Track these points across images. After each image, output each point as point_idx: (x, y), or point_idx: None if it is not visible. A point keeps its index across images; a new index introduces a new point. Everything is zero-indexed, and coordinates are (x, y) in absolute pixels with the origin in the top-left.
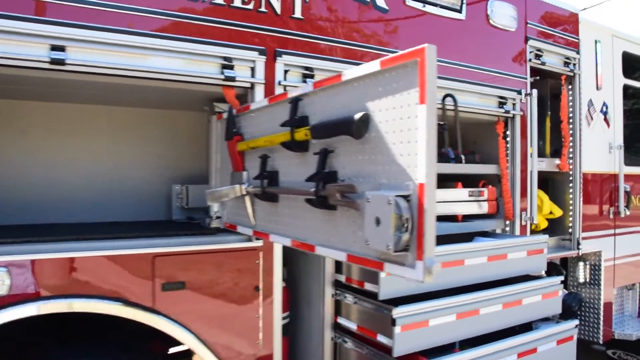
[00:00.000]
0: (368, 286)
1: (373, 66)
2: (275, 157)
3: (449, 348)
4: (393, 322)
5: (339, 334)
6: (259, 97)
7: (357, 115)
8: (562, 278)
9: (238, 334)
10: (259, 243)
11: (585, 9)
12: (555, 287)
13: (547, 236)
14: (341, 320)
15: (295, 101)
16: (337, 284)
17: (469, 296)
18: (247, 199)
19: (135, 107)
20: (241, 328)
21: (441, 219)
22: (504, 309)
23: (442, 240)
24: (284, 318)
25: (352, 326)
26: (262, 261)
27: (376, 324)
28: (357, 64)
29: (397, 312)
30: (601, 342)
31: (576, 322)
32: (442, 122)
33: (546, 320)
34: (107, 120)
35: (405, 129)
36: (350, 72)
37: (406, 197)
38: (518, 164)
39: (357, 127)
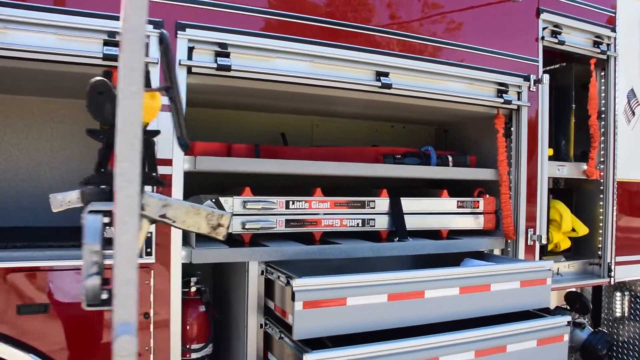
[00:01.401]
0: (290, 318)
1: None
2: None
3: None
4: None
5: None
6: None
7: None
8: (569, 318)
9: None
10: (150, 259)
11: None
12: (559, 329)
13: (551, 262)
14: (271, 357)
15: None
16: (267, 312)
17: (423, 340)
18: None
19: None
20: None
21: (420, 234)
22: (476, 358)
23: (416, 262)
24: (198, 350)
25: None
26: (154, 281)
27: None
28: (286, 39)
29: (311, 358)
30: None
31: None
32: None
33: None
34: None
35: None
36: None
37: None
38: (524, 168)
39: None
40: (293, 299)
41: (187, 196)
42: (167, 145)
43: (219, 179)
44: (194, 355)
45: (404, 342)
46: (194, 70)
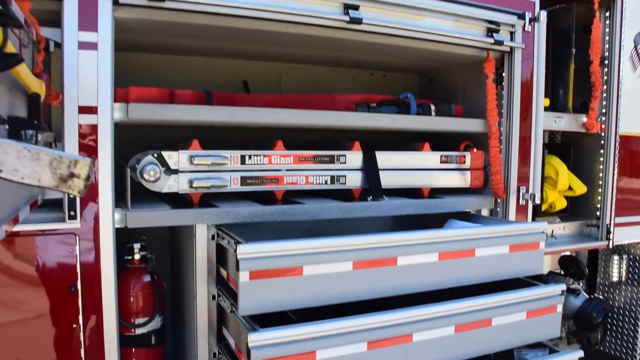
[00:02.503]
0: None
1: None
2: None
3: None
4: (248, 355)
5: (222, 351)
6: None
7: None
8: (563, 287)
9: (44, 354)
10: (74, 224)
11: None
12: (552, 299)
13: (545, 223)
14: (226, 333)
15: None
16: (221, 282)
17: (393, 315)
18: None
19: None
20: (48, 345)
21: (398, 193)
22: (457, 334)
23: (394, 225)
24: (143, 324)
25: (231, 343)
26: (80, 250)
27: (242, 349)
28: None
29: (255, 339)
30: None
31: (579, 353)
32: None
33: (538, 346)
34: None
35: None
36: None
37: None
38: (516, 119)
39: None
40: (237, 268)
41: (125, 157)
42: (90, 89)
43: (166, 133)
44: (139, 331)
45: (371, 317)
46: (120, 0)
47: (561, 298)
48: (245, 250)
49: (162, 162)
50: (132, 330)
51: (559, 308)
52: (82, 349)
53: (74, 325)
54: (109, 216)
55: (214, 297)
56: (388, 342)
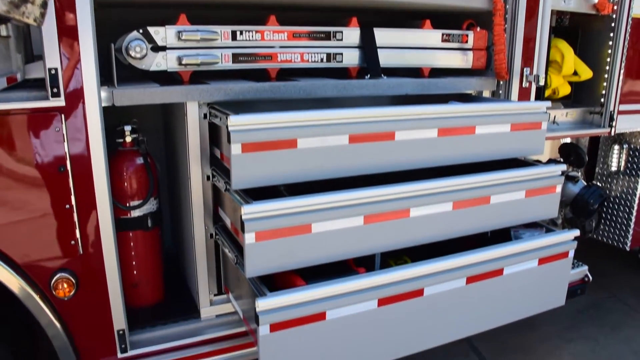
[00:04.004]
0: None
1: None
2: None
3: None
4: (242, 228)
5: (218, 232)
6: None
7: None
8: (564, 167)
9: (37, 236)
10: (58, 102)
11: None
12: (551, 179)
13: (547, 102)
14: (222, 213)
15: None
16: (214, 162)
17: (390, 189)
18: None
19: None
20: (41, 227)
21: (397, 73)
22: (455, 210)
23: (393, 105)
24: (137, 207)
25: (227, 222)
26: (67, 129)
27: (237, 225)
28: None
29: (248, 211)
30: (628, 248)
31: (575, 232)
32: None
33: (534, 225)
34: None
35: None
36: None
37: None
38: None
39: None
40: (229, 140)
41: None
42: None
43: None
44: (134, 214)
45: (367, 191)
46: None
47: (560, 179)
48: (237, 121)
49: (149, 38)
50: (128, 213)
51: (558, 188)
52: (77, 230)
53: (67, 206)
54: (94, 94)
55: (208, 177)
56: (385, 217)
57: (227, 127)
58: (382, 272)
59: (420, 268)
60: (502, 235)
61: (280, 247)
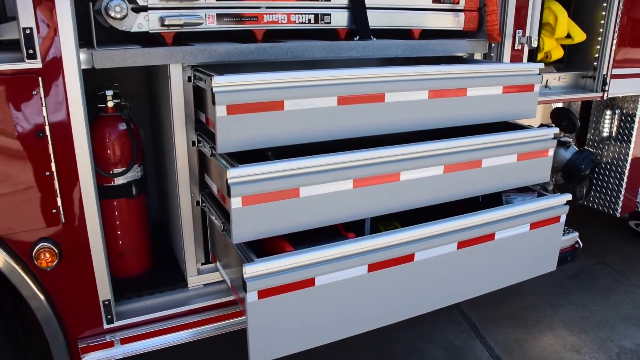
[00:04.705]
0: None
1: None
2: None
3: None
4: (228, 191)
5: (205, 199)
6: None
7: None
8: (556, 130)
9: (17, 205)
10: (35, 64)
11: None
12: (543, 142)
13: (540, 64)
14: (208, 180)
15: None
16: (199, 128)
17: (381, 152)
18: None
19: None
20: (21, 195)
21: (388, 34)
22: (446, 174)
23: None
24: (121, 174)
25: (214, 189)
26: (45, 93)
27: (224, 190)
28: None
29: (234, 174)
30: (619, 214)
31: (567, 196)
32: None
33: (526, 190)
34: None
35: None
36: None
37: None
38: None
39: None
40: (214, 102)
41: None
42: None
43: None
44: (118, 181)
45: (356, 154)
46: None
47: (553, 142)
48: (221, 82)
49: None
50: (111, 180)
51: (550, 152)
52: (59, 198)
53: (47, 174)
54: (72, 55)
55: (193, 143)
56: (374, 180)
57: (211, 88)
58: (372, 237)
59: (410, 233)
60: (493, 200)
61: (267, 211)
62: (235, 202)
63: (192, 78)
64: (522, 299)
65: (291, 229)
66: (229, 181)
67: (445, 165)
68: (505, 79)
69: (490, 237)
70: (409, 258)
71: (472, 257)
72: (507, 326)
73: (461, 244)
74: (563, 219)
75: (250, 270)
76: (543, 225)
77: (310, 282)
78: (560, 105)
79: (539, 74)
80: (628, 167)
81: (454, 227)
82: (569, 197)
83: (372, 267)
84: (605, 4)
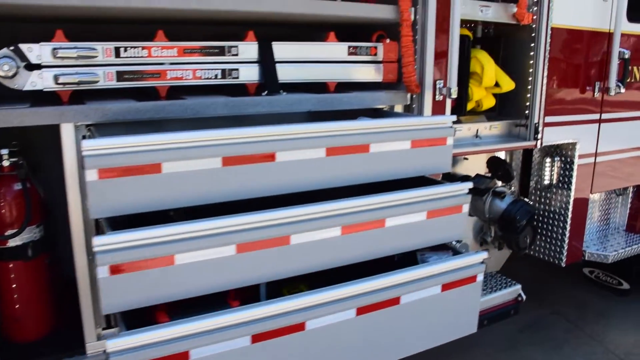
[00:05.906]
0: None
1: None
2: None
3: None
4: (94, 259)
5: None
6: None
7: None
8: (470, 185)
9: None
10: None
11: None
12: (456, 198)
13: (453, 117)
14: None
15: None
16: None
17: (265, 215)
18: None
19: None
20: None
21: (303, 89)
22: (344, 236)
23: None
24: (14, 235)
25: None
26: None
27: None
28: None
29: (101, 242)
30: (564, 264)
31: (483, 255)
32: None
33: (442, 248)
34: None
35: None
36: None
37: None
38: (432, 5)
39: None
40: (83, 166)
41: None
42: None
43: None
44: (12, 243)
45: (240, 217)
46: None
47: (467, 197)
48: (91, 145)
49: (21, 56)
50: (5, 242)
51: (465, 208)
52: None
53: None
54: None
55: None
56: (260, 245)
57: (81, 152)
58: (255, 306)
59: (299, 300)
60: (411, 259)
61: (138, 281)
62: (101, 272)
63: (87, 137)
64: (467, 355)
65: (167, 298)
66: (95, 249)
67: (343, 226)
68: (413, 133)
69: (395, 301)
70: (299, 327)
71: (375, 323)
72: None
73: (361, 310)
74: (480, 278)
75: (113, 345)
76: (457, 286)
77: (184, 356)
78: (495, 154)
79: (451, 127)
80: (570, 215)
81: (351, 292)
82: (485, 255)
83: (257, 338)
84: (532, 53)
